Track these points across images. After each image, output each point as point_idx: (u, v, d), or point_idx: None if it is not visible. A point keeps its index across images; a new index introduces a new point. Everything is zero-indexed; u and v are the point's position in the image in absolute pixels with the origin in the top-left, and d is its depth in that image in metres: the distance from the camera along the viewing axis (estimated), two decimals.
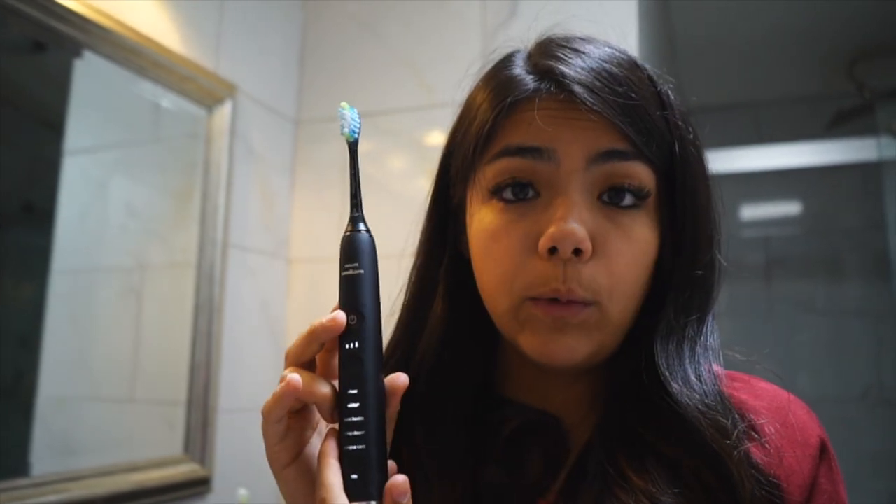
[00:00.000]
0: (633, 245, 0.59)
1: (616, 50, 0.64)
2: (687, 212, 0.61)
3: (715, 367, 0.67)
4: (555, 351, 0.59)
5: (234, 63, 1.88)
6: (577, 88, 0.57)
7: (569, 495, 0.60)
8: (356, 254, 0.56)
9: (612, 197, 0.59)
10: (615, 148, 0.58)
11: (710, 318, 0.65)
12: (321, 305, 2.09)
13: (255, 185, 1.96)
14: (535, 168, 0.59)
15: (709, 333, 0.64)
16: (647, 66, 0.65)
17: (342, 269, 0.56)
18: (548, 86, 0.60)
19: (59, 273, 1.47)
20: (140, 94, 1.64)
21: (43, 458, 1.39)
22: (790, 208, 3.35)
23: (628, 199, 0.59)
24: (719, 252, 0.66)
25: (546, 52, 0.62)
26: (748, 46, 2.90)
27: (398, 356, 0.70)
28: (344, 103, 0.56)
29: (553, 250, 0.56)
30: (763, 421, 0.60)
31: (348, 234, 0.56)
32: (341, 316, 0.54)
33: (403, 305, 0.72)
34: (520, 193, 0.60)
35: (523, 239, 0.59)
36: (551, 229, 0.56)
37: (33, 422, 1.40)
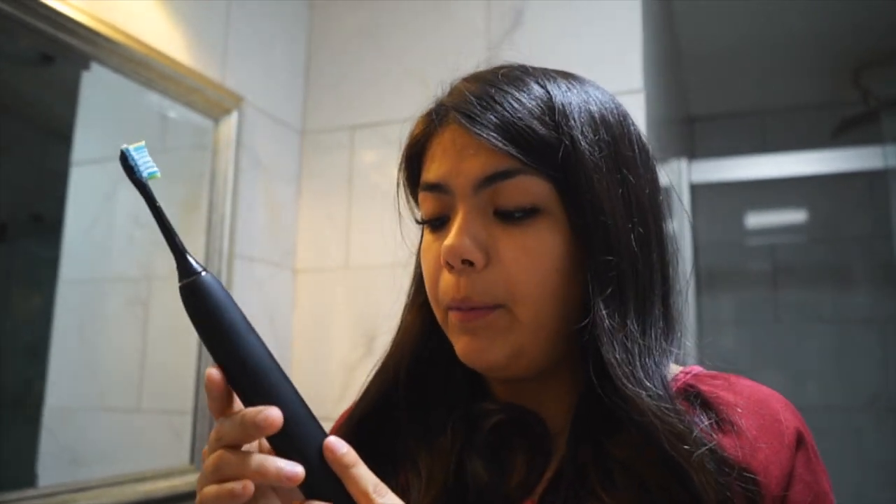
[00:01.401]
0: (530, 251, 0.63)
1: (515, 69, 0.69)
2: (587, 211, 0.63)
3: (695, 368, 0.70)
4: (469, 353, 0.65)
5: (241, 74, 1.89)
6: (462, 118, 0.64)
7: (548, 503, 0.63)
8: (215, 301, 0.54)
9: (504, 214, 0.64)
10: (498, 170, 0.63)
11: (654, 317, 0.66)
12: (327, 315, 2.09)
13: (262, 196, 1.96)
14: (440, 199, 0.67)
15: (657, 333, 0.65)
16: (550, 77, 0.68)
17: (237, 308, 0.54)
18: (440, 119, 0.67)
19: (67, 283, 1.47)
20: (147, 106, 1.65)
21: (50, 468, 1.39)
22: (796, 216, 3.35)
23: (518, 214, 0.63)
24: (658, 250, 0.68)
25: (449, 92, 0.70)
26: (753, 55, 2.91)
27: (397, 353, 0.75)
28: (125, 146, 0.55)
29: (449, 264, 0.63)
30: (739, 414, 0.61)
31: (208, 275, 0.54)
32: (278, 417, 0.52)
33: (405, 306, 0.79)
34: (436, 222, 0.68)
35: (436, 257, 0.66)
36: (442, 246, 0.63)
37: (40, 432, 1.41)
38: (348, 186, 2.06)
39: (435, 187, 0.66)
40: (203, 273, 0.53)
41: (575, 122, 0.64)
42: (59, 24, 1.37)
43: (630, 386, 0.59)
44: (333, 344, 2.00)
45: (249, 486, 0.51)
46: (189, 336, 1.70)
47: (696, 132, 3.42)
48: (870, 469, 2.65)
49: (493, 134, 0.62)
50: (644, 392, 0.59)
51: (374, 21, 2.13)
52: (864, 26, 2.62)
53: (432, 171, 0.67)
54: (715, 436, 0.59)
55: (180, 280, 0.53)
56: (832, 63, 2.91)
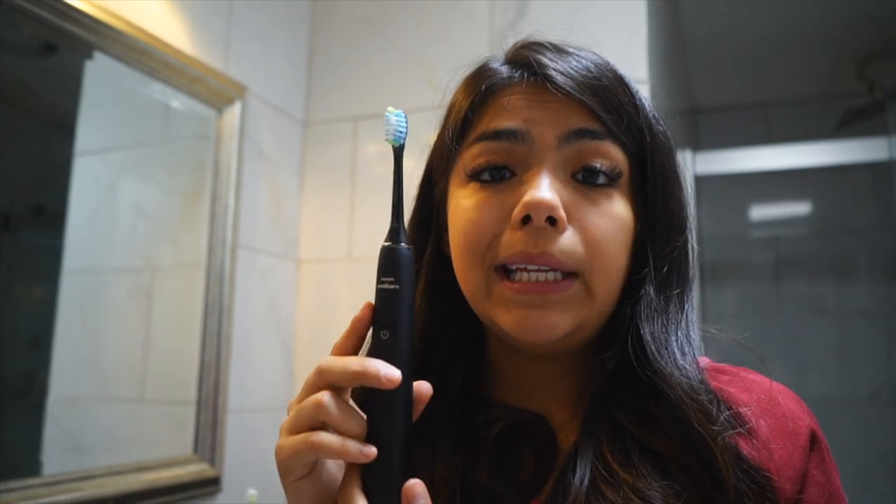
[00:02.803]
0: (610, 220, 0.60)
1: (585, 49, 0.67)
2: (658, 193, 0.62)
3: (703, 360, 0.68)
4: (534, 328, 0.59)
5: (244, 64, 1.89)
6: (550, 72, 0.61)
7: (559, 494, 0.59)
8: (394, 268, 0.55)
9: (585, 176, 0.60)
10: (586, 127, 0.60)
11: (689, 303, 0.66)
12: (330, 306, 2.09)
13: (265, 186, 1.96)
14: (511, 149, 0.61)
15: (690, 319, 0.65)
16: (615, 66, 0.67)
17: (378, 280, 0.55)
18: (522, 72, 0.63)
19: (70, 274, 1.48)
20: (150, 96, 1.65)
21: (54, 457, 1.39)
22: (800, 208, 3.34)
23: (602, 179, 0.60)
24: (691, 237, 0.68)
25: (521, 47, 0.66)
26: (758, 46, 2.89)
27: None
28: (390, 108, 0.56)
29: (526, 219, 0.57)
30: (752, 414, 0.60)
31: (388, 246, 0.55)
32: (398, 376, 0.52)
33: None
34: (497, 175, 0.62)
35: (497, 212, 0.60)
36: (525, 198, 0.57)
37: (44, 421, 1.41)
38: (351, 177, 2.06)
39: (508, 134, 0.61)
40: (402, 246, 0.55)
41: (646, 104, 0.64)
42: (61, 12, 1.37)
43: (666, 361, 0.59)
44: (336, 335, 1.99)
45: (372, 452, 0.50)
46: (192, 326, 1.70)
47: (700, 123, 3.41)
48: (872, 462, 2.65)
49: (586, 94, 0.60)
50: (678, 370, 0.59)
51: (377, 11, 2.13)
52: (870, 17, 2.61)
53: (506, 118, 0.62)
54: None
55: (385, 242, 0.55)
56: (837, 54, 2.90)
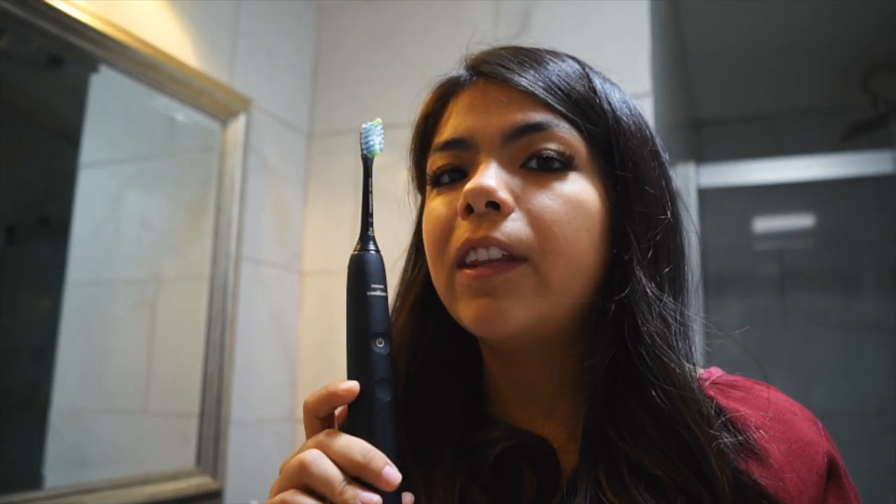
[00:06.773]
0: (563, 202, 0.58)
1: (550, 48, 0.67)
2: (628, 173, 0.60)
3: (714, 371, 0.66)
4: (484, 316, 0.57)
5: (249, 77, 1.90)
6: (493, 68, 0.62)
7: None
8: (382, 275, 0.56)
9: (539, 164, 0.59)
10: (530, 122, 0.59)
11: (684, 297, 0.64)
12: (333, 318, 2.09)
13: (269, 198, 1.97)
14: (461, 157, 0.62)
15: (687, 316, 0.62)
16: (584, 62, 0.66)
17: (368, 287, 0.56)
18: (470, 75, 0.65)
19: (74, 285, 1.48)
20: (155, 108, 1.65)
21: (56, 470, 1.39)
22: (804, 221, 3.33)
23: (554, 164, 0.59)
24: (681, 231, 0.65)
25: (476, 54, 0.67)
26: (762, 58, 2.90)
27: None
28: (365, 123, 0.58)
29: (470, 209, 0.57)
30: (764, 438, 0.57)
31: (371, 253, 0.56)
32: (355, 386, 0.55)
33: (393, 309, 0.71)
34: (455, 177, 0.62)
35: (449, 209, 0.61)
36: (465, 187, 0.57)
37: (47, 434, 1.41)
38: (355, 189, 2.06)
39: (454, 144, 0.62)
40: (379, 252, 0.57)
41: (611, 94, 0.63)
42: (68, 26, 1.37)
43: (663, 354, 0.56)
44: (340, 347, 1.99)
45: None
46: (195, 338, 1.70)
47: (704, 136, 3.41)
48: (881, 476, 2.63)
49: (529, 83, 0.59)
50: (678, 368, 0.57)
51: (381, 24, 2.13)
52: (874, 30, 2.61)
53: (451, 128, 0.63)
54: (741, 463, 0.55)
55: (361, 249, 0.58)
56: (841, 66, 2.90)
